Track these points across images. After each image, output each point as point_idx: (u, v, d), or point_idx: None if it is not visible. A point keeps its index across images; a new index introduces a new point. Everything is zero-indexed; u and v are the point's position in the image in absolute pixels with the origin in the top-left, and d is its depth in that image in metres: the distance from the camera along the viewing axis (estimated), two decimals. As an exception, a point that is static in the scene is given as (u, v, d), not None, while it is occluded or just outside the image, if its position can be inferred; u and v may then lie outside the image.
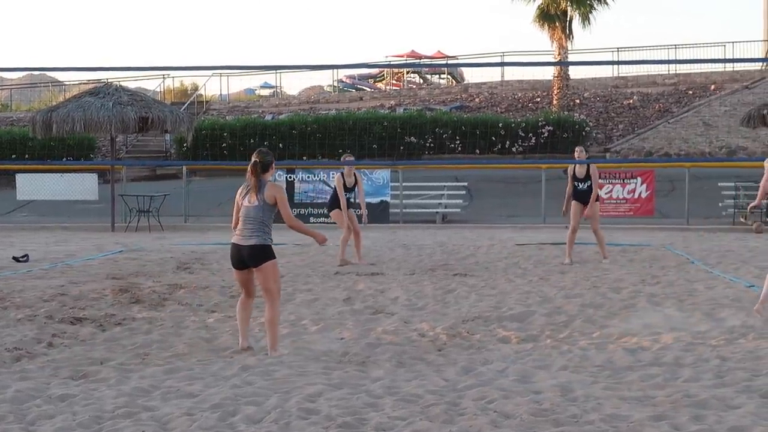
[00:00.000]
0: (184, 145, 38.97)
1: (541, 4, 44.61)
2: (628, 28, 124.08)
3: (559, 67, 45.11)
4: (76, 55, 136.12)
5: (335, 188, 18.49)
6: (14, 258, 18.41)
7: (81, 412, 7.63)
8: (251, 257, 9.85)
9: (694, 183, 27.26)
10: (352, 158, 19.44)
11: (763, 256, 18.52)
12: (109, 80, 30.55)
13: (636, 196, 26.73)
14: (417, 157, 39.91)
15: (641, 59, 53.21)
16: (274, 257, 9.97)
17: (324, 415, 7.52)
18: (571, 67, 47.19)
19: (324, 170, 28.60)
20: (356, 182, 18.41)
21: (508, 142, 40.31)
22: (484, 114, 44.32)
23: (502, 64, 53.96)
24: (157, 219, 26.09)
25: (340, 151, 40.00)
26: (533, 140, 40.68)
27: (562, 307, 12.70)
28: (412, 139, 40.62)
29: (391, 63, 57.19)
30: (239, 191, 9.93)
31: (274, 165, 9.99)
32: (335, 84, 57.24)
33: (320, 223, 27.40)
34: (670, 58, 51.03)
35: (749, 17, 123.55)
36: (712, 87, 47.20)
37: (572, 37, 45.24)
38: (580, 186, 18.03)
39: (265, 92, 60.79)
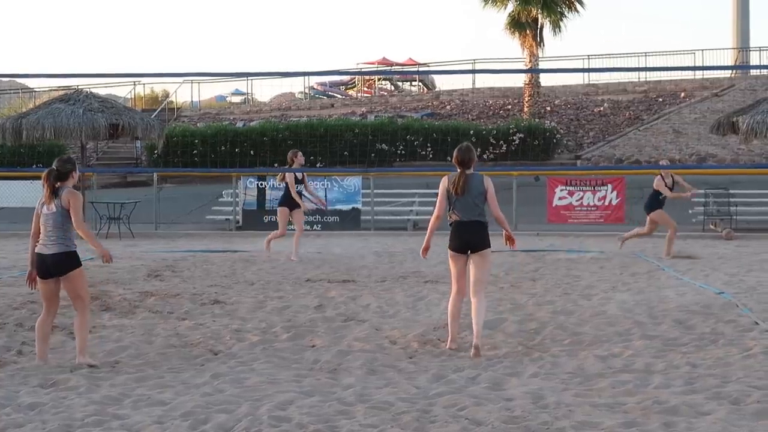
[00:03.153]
0: (155, 152, 38.87)
1: (512, 11, 44.74)
2: (599, 35, 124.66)
3: (530, 74, 45.24)
4: (46, 61, 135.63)
5: (287, 186, 19.42)
6: (-17, 265, 18.31)
7: (51, 421, 7.60)
8: (55, 266, 9.65)
9: (664, 190, 27.32)
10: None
11: (732, 262, 18.62)
12: (79, 87, 30.47)
13: (607, 203, 26.81)
14: (388, 164, 39.92)
15: (611, 66, 53.48)
16: (80, 264, 9.78)
17: (295, 422, 7.51)
18: (542, 75, 47.35)
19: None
20: (303, 179, 19.67)
21: (479, 150, 40.31)
22: (455, 121, 44.38)
23: (473, 72, 54.10)
24: (127, 226, 25.98)
25: (312, 158, 40.02)
26: (504, 147, 40.75)
27: (534, 314, 12.73)
28: (384, 146, 40.63)
29: (363, 70, 57.24)
30: (38, 202, 9.76)
31: (75, 173, 9.78)
32: (306, 91, 57.21)
33: (291, 229, 27.34)
34: (641, 66, 51.23)
35: (719, 25, 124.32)
36: (682, 94, 47.44)
37: (543, 45, 45.41)
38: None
39: (237, 99, 60.66)
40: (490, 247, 10.52)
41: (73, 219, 9.64)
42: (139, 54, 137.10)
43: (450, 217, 10.50)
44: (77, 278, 9.71)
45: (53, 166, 9.66)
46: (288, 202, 19.45)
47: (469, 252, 10.45)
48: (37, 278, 9.81)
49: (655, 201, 19.55)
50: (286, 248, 20.01)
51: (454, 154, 10.48)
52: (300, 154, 19.63)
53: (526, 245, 22.27)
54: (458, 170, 10.43)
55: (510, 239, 10.70)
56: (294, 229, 19.90)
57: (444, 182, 10.48)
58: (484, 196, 10.41)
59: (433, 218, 10.59)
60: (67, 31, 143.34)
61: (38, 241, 9.72)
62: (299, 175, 19.49)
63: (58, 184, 9.64)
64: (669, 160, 34.56)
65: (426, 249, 10.78)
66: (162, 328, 11.89)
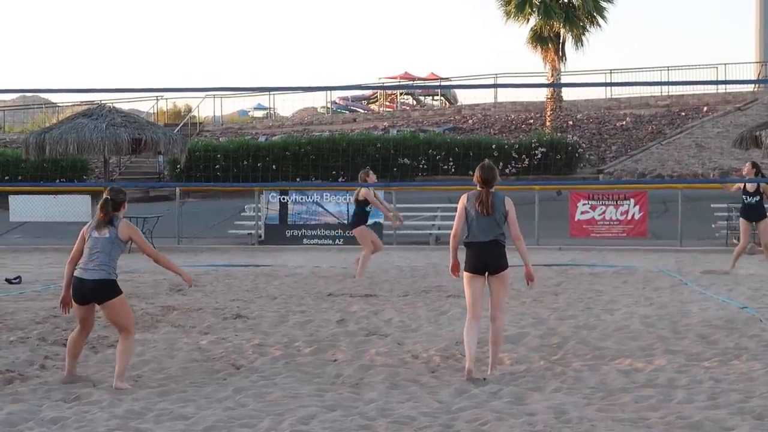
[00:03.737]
0: (178, 166, 38.97)
1: (535, 26, 44.72)
2: (621, 49, 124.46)
3: (552, 88, 45.21)
4: (70, 76, 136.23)
5: (358, 204, 19.00)
6: (7, 280, 18.38)
7: (73, 435, 7.61)
8: (94, 293, 9.39)
9: (686, 204, 27.28)
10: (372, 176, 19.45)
11: (755, 277, 18.54)
12: (102, 102, 30.60)
13: (629, 217, 26.74)
14: (410, 178, 39.93)
15: (634, 81, 53.42)
16: (121, 292, 9.56)
17: (317, 437, 7.51)
18: (564, 89, 47.29)
19: (318, 192, 28.58)
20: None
21: (501, 164, 40.31)
22: (477, 135, 44.38)
23: (495, 86, 53.98)
24: (150, 240, 26.03)
25: (334, 172, 40.08)
26: (526, 162, 40.72)
27: (556, 328, 12.69)
28: (406, 160, 40.64)
29: (385, 85, 57.29)
30: (86, 226, 9.61)
31: (125, 204, 9.77)
32: (329, 106, 57.31)
33: (314, 244, 27.39)
34: (663, 80, 51.17)
35: (742, 39, 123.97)
36: (705, 109, 47.32)
37: (565, 59, 45.39)
38: (748, 200, 19.01)
39: (259, 114, 60.81)
40: (508, 268, 10.21)
41: (146, 252, 9.68)
42: (162, 69, 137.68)
43: (467, 237, 10.15)
44: (118, 306, 9.48)
45: (107, 196, 9.58)
46: (362, 220, 19.14)
47: (486, 274, 10.11)
48: (74, 303, 9.55)
49: None
50: (309, 262, 19.96)
51: (477, 172, 10.14)
52: (371, 172, 19.32)
53: (548, 260, 22.25)
54: (481, 189, 10.11)
55: (530, 277, 10.34)
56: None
57: (463, 200, 10.15)
58: (505, 217, 10.11)
59: (451, 237, 10.26)
60: (91, 46, 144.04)
61: (77, 265, 9.51)
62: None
63: (113, 213, 9.57)
64: (693, 175, 34.50)
65: (455, 266, 10.33)
66: (184, 343, 11.91)
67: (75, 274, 9.47)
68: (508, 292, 10.56)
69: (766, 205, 19.11)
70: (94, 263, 9.36)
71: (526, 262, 10.25)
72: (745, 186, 19.02)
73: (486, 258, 10.03)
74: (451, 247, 10.31)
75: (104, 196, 9.63)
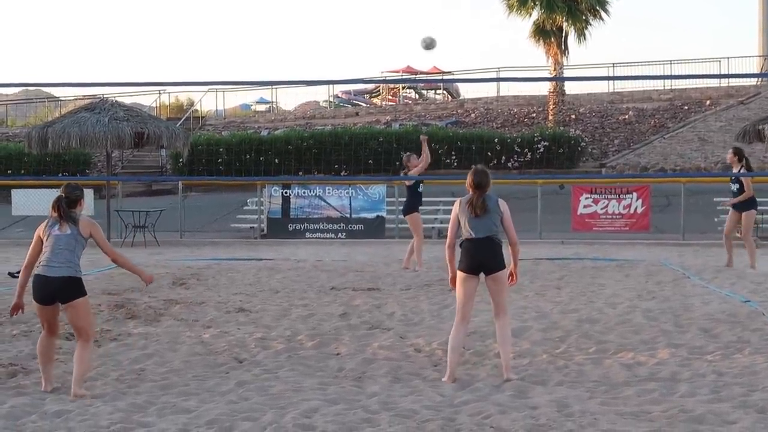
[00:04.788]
0: (180, 160, 38.98)
1: (537, 19, 44.69)
2: (624, 43, 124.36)
3: (554, 82, 45.17)
4: (72, 70, 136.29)
5: (409, 188, 19.26)
6: (10, 274, 18.38)
7: (76, 428, 7.63)
8: (61, 290, 8.96)
9: (689, 198, 27.27)
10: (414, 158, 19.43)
11: (758, 271, 18.52)
12: (104, 96, 30.60)
13: (632, 211, 26.72)
14: (413, 172, 39.89)
15: (637, 74, 53.36)
16: (86, 293, 9.18)
17: (320, 430, 7.52)
18: (566, 83, 47.24)
19: (320, 185, 28.58)
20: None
21: (503, 158, 40.33)
22: (479, 129, 44.35)
23: (497, 80, 53.98)
24: (152, 234, 26.05)
25: (336, 166, 40.08)
26: (529, 155, 40.69)
27: (558, 322, 12.70)
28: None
29: (387, 78, 57.28)
30: (41, 227, 9.28)
31: (83, 201, 9.44)
32: (331, 99, 57.29)
33: (316, 237, 27.38)
34: (666, 74, 51.09)
35: (744, 33, 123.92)
36: (708, 102, 47.27)
37: (568, 53, 45.36)
38: (732, 188, 18.95)
39: (261, 108, 60.77)
40: (505, 268, 9.78)
41: (104, 250, 9.34)
42: (165, 63, 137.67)
43: (462, 236, 9.81)
44: (82, 307, 9.09)
45: (62, 193, 9.28)
46: (417, 202, 19.36)
47: (482, 275, 9.73)
48: (36, 304, 9.17)
49: None
50: (311, 256, 19.96)
51: (469, 177, 9.78)
52: (414, 156, 19.39)
53: (550, 253, 22.25)
54: (473, 193, 9.77)
55: (513, 278, 9.96)
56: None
57: (456, 208, 9.87)
58: (500, 218, 9.76)
59: (446, 247, 9.95)
60: (93, 40, 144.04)
61: (33, 268, 9.23)
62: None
63: (70, 210, 9.24)
64: (695, 169, 34.46)
65: (454, 279, 9.88)
66: (187, 336, 11.92)
67: (37, 272, 9.11)
68: (508, 291, 10.24)
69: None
70: (59, 260, 9.00)
71: (516, 263, 9.97)
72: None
73: (481, 256, 9.63)
74: (447, 259, 10.07)
75: (59, 193, 9.31)
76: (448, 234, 9.98)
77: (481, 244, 9.65)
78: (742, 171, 18.53)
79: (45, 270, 9.00)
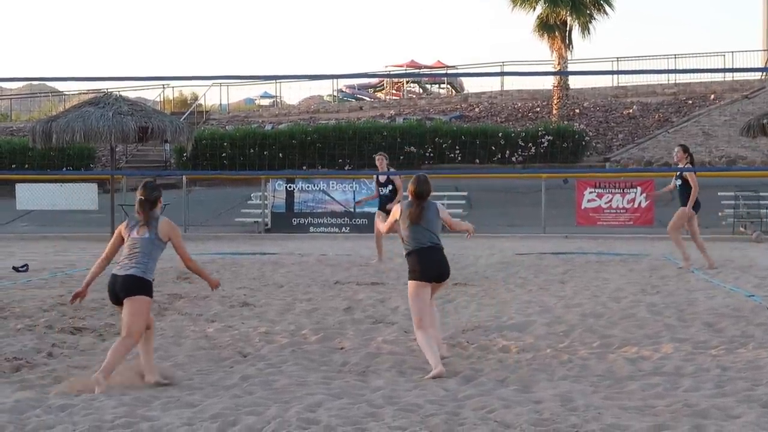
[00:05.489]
0: (184, 154, 39.03)
1: (541, 14, 44.65)
2: (628, 37, 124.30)
3: (558, 76, 45.15)
4: (76, 65, 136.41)
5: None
6: (14, 268, 18.40)
7: (81, 422, 7.62)
8: (123, 286, 8.90)
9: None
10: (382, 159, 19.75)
11: (762, 265, 18.51)
12: (108, 90, 30.59)
13: (636, 205, 26.74)
14: (417, 166, 39.85)
15: (641, 69, 53.35)
16: (150, 296, 9.06)
17: (324, 425, 7.51)
18: (570, 77, 47.22)
19: (324, 180, 28.60)
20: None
21: (507, 152, 40.32)
22: (483, 124, 44.35)
23: (501, 74, 54.04)
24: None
25: (340, 160, 40.08)
26: (533, 150, 40.68)
27: (562, 316, 12.69)
28: (412, 148, 40.62)
29: (391, 73, 57.25)
30: (123, 224, 9.24)
31: (161, 200, 9.46)
32: (335, 94, 57.30)
33: (320, 232, 27.40)
34: (670, 68, 51.06)
35: (749, 27, 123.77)
36: (712, 97, 47.23)
37: (572, 47, 45.31)
38: (676, 182, 18.51)
39: (265, 102, 60.81)
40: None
41: (180, 254, 9.29)
42: (169, 57, 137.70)
43: (407, 245, 10.00)
44: (137, 305, 8.90)
45: (140, 196, 9.20)
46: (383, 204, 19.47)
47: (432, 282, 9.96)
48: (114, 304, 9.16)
49: None
50: (315, 250, 19.94)
51: (410, 185, 10.08)
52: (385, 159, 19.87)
53: (555, 248, 22.24)
54: (413, 201, 10.04)
55: (468, 230, 10.58)
56: None
57: (395, 211, 10.26)
58: (440, 224, 10.08)
59: (381, 230, 10.31)
60: (97, 34, 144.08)
61: (105, 265, 9.23)
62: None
63: (151, 211, 9.22)
64: (699, 163, 34.40)
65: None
66: (191, 331, 11.92)
67: (112, 272, 9.06)
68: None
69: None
70: (133, 262, 8.97)
71: (467, 227, 10.64)
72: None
73: (439, 267, 9.94)
74: (377, 241, 10.33)
75: (138, 196, 9.23)
76: (386, 225, 10.68)
77: (435, 255, 9.96)
78: (687, 166, 18.25)
79: (118, 270, 9.01)
